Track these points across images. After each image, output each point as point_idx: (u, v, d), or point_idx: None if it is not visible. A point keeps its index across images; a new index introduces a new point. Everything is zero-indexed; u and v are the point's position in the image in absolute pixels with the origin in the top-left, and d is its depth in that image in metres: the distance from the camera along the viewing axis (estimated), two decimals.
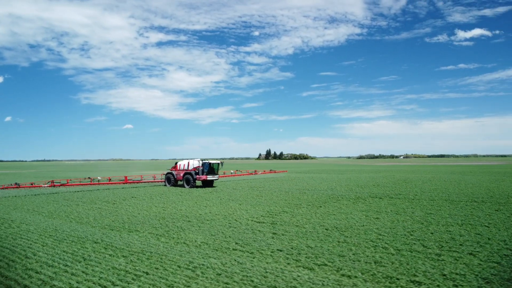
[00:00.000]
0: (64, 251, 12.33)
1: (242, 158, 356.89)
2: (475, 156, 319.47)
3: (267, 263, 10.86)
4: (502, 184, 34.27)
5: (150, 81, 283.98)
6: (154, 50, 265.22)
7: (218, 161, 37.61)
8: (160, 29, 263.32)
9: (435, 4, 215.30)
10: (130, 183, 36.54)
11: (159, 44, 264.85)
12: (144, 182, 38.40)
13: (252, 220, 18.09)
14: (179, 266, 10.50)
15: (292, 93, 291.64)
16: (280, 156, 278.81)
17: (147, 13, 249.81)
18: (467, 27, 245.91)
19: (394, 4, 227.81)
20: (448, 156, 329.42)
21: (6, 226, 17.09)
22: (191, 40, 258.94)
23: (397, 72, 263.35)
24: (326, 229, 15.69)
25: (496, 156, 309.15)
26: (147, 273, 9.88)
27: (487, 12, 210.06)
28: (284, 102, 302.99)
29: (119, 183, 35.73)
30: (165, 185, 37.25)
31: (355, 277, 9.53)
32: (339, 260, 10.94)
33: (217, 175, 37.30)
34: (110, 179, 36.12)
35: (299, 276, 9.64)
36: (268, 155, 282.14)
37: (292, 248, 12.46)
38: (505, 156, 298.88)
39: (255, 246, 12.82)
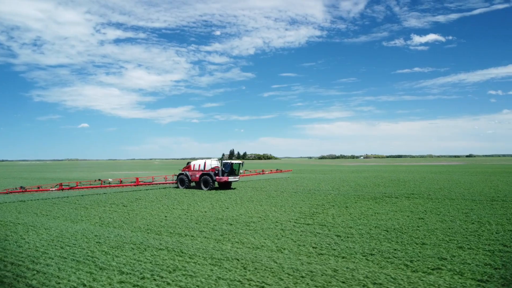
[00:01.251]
0: (139, 260, 11.22)
1: (202, 158, 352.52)
2: (430, 156, 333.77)
3: (380, 267, 10.36)
4: (498, 183, 35.57)
5: (107, 79, 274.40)
6: (111, 47, 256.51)
7: (239, 161, 35.71)
8: (118, 25, 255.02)
9: (392, 9, 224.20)
10: (141, 185, 33.98)
11: (117, 41, 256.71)
12: (156, 183, 35.85)
13: (295, 222, 17.52)
14: (289, 275, 9.76)
15: (253, 93, 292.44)
16: (244, 156, 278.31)
17: (104, 9, 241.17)
18: (422, 32, 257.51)
19: (353, 8, 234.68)
20: (405, 156, 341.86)
21: (47, 234, 15.47)
22: (150, 38, 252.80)
23: (355, 74, 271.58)
24: (385, 230, 15.40)
25: (450, 156, 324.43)
26: (270, 285, 9.07)
27: (441, 18, 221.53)
28: (245, 102, 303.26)
29: (130, 185, 33.39)
30: (178, 187, 34.94)
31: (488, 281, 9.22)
32: (451, 264, 10.58)
33: (238, 176, 35.43)
34: (121, 181, 33.78)
35: (432, 282, 9.19)
36: (231, 155, 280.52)
37: (381, 251, 12.02)
38: (457, 156, 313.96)
39: (338, 250, 12.30)
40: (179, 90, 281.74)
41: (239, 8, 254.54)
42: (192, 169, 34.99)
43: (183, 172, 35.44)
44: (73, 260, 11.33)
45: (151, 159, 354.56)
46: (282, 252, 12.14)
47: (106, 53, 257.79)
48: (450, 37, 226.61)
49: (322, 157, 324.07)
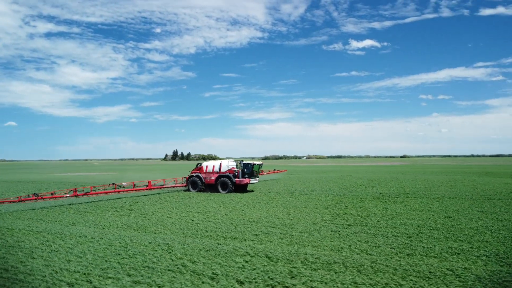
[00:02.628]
0: (243, 268, 10.81)
1: (143, 159, 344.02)
2: (368, 157, 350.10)
3: (484, 265, 10.82)
4: (472, 183, 38.28)
5: (37, 75, 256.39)
6: (42, 41, 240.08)
7: (260, 162, 34.29)
8: (50, 18, 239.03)
9: (331, 14, 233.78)
10: (153, 188, 31.75)
11: (48, 35, 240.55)
12: (168, 187, 33.52)
13: (332, 223, 17.80)
14: (419, 277, 9.93)
15: (194, 93, 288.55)
16: (188, 157, 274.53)
17: (34, 0, 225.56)
18: (359, 37, 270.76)
19: (294, 12, 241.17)
20: (344, 157, 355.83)
21: (98, 244, 14.33)
22: (85, 32, 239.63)
23: (296, 76, 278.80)
24: (433, 229, 16.11)
25: (385, 156, 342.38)
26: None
27: (376, 25, 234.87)
28: (186, 102, 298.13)
29: (143, 189, 31.18)
30: (189, 190, 33.08)
31: None
32: None
33: (257, 178, 34.19)
34: (135, 184, 31.38)
35: None
36: (175, 156, 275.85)
37: (462, 250, 12.56)
38: (392, 157, 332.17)
39: (420, 250, 12.68)
40: (116, 88, 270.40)
41: (180, 6, 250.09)
42: (205, 171, 33.26)
43: (194, 174, 33.56)
44: (168, 270, 10.68)
45: (86, 160, 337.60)
46: (367, 253, 12.30)
47: (36, 47, 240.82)
48: (385, 43, 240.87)
49: (265, 158, 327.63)
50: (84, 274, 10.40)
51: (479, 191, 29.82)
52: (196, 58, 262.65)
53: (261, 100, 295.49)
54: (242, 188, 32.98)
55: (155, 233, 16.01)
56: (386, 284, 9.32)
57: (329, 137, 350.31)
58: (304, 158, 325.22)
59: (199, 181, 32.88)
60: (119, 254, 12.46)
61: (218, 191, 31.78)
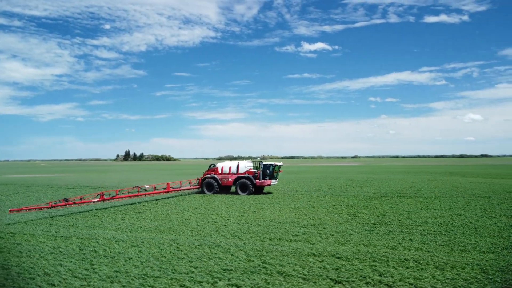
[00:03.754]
0: (336, 268, 11.17)
1: (91, 160, 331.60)
2: (320, 157, 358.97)
3: None
4: (453, 182, 40.71)
5: None
6: None
7: (280, 163, 33.63)
8: None
9: (283, 16, 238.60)
10: (171, 191, 30.07)
11: None
12: (185, 189, 32.01)
13: (357, 222, 18.52)
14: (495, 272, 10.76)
15: (145, 92, 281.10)
16: (141, 158, 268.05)
17: None
18: (311, 40, 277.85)
19: (247, 12, 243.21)
20: (298, 157, 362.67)
21: (160, 249, 14.04)
22: (28, 26, 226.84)
23: (249, 77, 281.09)
24: (456, 227, 17.25)
25: (337, 157, 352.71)
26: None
27: (327, 28, 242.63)
28: (137, 101, 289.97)
29: (162, 192, 29.89)
30: (203, 193, 32.15)
31: None
32: None
33: (277, 180, 33.65)
34: (155, 187, 30.04)
35: None
36: (127, 156, 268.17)
37: (500, 246, 13.64)
38: (344, 157, 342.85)
39: (469, 247, 13.65)
40: (61, 86, 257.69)
41: (129, 3, 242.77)
42: (220, 172, 32.47)
43: (209, 175, 32.61)
44: (254, 272, 10.85)
45: (29, 160, 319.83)
46: (424, 250, 13.08)
47: None
48: (336, 47, 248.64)
49: (219, 158, 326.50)
50: (172, 279, 10.32)
51: (463, 190, 31.90)
52: (147, 56, 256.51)
53: (214, 100, 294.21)
54: (259, 190, 32.06)
55: (192, 235, 15.96)
56: (477, 279, 10.06)
57: (282, 137, 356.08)
58: (258, 158, 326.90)
59: (215, 183, 32.01)
60: (182, 258, 12.40)
61: (237, 193, 31.14)
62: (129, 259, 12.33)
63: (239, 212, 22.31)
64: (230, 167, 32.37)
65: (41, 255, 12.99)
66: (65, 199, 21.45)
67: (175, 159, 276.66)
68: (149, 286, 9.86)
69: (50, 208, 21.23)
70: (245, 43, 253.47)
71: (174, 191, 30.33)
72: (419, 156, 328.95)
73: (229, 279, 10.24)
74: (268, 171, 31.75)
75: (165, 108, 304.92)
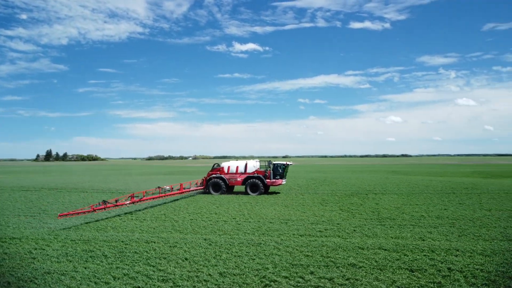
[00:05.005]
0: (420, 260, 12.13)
1: (5, 160, 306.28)
2: (252, 157, 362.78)
3: None
4: (409, 180, 43.93)
5: None
6: None
7: (290, 162, 33.27)
8: None
9: (214, 15, 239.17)
10: (184, 192, 29.04)
11: None
12: (195, 190, 30.96)
13: (370, 219, 19.85)
14: None
15: (66, 88, 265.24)
16: (64, 158, 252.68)
17: None
18: (242, 40, 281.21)
19: (176, 9, 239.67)
20: (229, 157, 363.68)
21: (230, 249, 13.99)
22: None
23: (179, 75, 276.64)
24: (454, 219, 19.19)
25: (269, 157, 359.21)
26: None
27: (258, 29, 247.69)
28: (57, 98, 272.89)
29: (177, 193, 28.18)
30: (209, 193, 31.42)
31: None
32: None
33: (285, 179, 33.29)
34: (172, 188, 28.34)
35: None
36: (49, 156, 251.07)
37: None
38: (276, 157, 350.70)
39: (484, 236, 15.42)
40: None
41: None
42: (227, 172, 31.96)
43: (215, 175, 31.92)
44: (334, 266, 11.50)
45: None
46: (451, 240, 14.58)
47: None
48: (267, 48, 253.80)
49: (149, 158, 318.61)
50: (256, 276, 10.66)
51: (424, 187, 34.82)
52: (68, 50, 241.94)
53: (141, 98, 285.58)
54: (267, 190, 31.95)
55: (225, 234, 16.16)
56: None
57: (213, 137, 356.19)
58: (190, 158, 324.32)
59: (223, 183, 31.45)
60: (239, 256, 12.68)
61: (247, 193, 30.92)
62: (185, 259, 12.37)
63: (247, 210, 22.69)
64: (237, 167, 31.99)
65: (135, 259, 12.57)
66: (104, 202, 20.49)
67: (102, 159, 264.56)
68: (242, 283, 10.11)
69: (92, 211, 20.06)
70: (175, 40, 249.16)
71: (187, 191, 29.71)
72: (345, 156, 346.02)
73: (311, 273, 10.81)
74: (278, 170, 31.85)
75: (88, 106, 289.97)
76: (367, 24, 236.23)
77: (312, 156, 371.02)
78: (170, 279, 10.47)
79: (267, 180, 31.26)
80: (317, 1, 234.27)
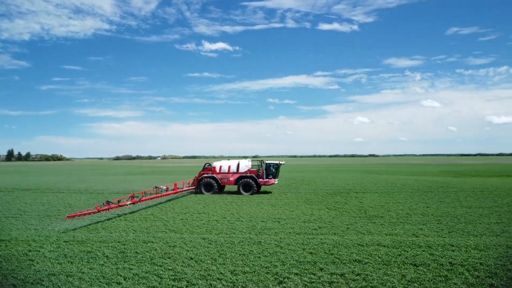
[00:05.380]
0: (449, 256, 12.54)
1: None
2: (222, 157, 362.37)
3: None
4: (385, 179, 45.07)
5: None
6: None
7: (282, 162, 33.43)
8: None
9: (183, 13, 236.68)
10: (178, 192, 28.80)
11: None
12: (187, 190, 30.66)
13: (364, 217, 20.38)
14: None
15: (29, 85, 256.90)
16: (27, 157, 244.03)
17: None
18: (212, 39, 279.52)
19: (144, 7, 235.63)
20: (199, 157, 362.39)
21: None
22: None
23: (147, 73, 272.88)
24: (440, 217, 19.98)
25: (239, 157, 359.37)
26: None
27: (228, 28, 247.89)
28: (18, 95, 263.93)
29: (172, 193, 27.80)
30: (201, 193, 31.22)
31: None
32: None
33: (277, 178, 33.32)
34: (168, 188, 27.66)
35: None
36: (10, 156, 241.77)
37: (492, 230, 16.43)
38: (246, 157, 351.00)
39: (474, 232, 16.14)
40: None
41: None
42: (218, 171, 31.96)
43: (207, 175, 31.86)
44: (341, 263, 11.79)
45: None
46: (442, 236, 15.21)
47: None
48: (237, 47, 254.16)
49: (117, 158, 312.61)
50: (268, 273, 10.83)
51: (402, 186, 35.96)
52: (31, 46, 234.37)
53: (108, 96, 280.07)
54: (259, 189, 32.06)
55: (223, 234, 16.19)
56: None
57: (182, 137, 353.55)
58: (159, 158, 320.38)
59: (215, 183, 31.39)
60: (243, 254, 12.79)
61: (239, 193, 30.96)
62: (191, 259, 12.37)
63: (235, 210, 22.74)
64: (229, 166, 31.98)
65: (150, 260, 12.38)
66: (107, 202, 20.12)
67: (67, 159, 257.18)
68: (257, 280, 10.24)
69: (97, 212, 19.64)
70: (143, 38, 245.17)
71: (181, 191, 29.56)
72: (315, 156, 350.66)
73: (321, 269, 11.06)
74: (271, 170, 32.02)
75: (52, 104, 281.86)
76: (335, 26, 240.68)
77: (282, 156, 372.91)
78: (183, 278, 10.46)
79: (260, 179, 31.46)
80: (287, 2, 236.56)
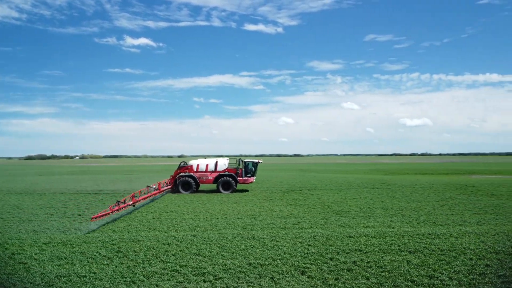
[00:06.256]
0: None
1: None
2: (146, 156, 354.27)
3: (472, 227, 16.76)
4: (329, 177, 47.15)
5: None
6: None
7: (260, 160, 33.54)
8: None
9: (103, 5, 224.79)
10: (162, 191, 28.13)
11: None
12: (164, 190, 29.53)
13: (331, 212, 21.58)
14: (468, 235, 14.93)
15: None
16: None
17: None
18: (134, 34, 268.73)
19: None
20: (121, 156, 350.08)
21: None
22: None
23: (62, 67, 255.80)
24: (401, 210, 21.80)
25: (163, 156, 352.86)
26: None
27: (151, 24, 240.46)
28: None
29: (157, 192, 26.95)
30: (178, 192, 30.55)
31: None
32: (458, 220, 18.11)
33: (255, 177, 33.12)
34: (155, 187, 26.51)
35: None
36: None
37: (436, 221, 18.43)
38: (170, 156, 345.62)
39: (438, 221, 17.94)
40: None
41: None
42: (196, 170, 31.49)
43: (185, 174, 31.33)
44: (343, 252, 12.61)
45: None
46: (417, 227, 16.78)
47: None
48: (161, 44, 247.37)
49: (29, 158, 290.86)
50: (284, 264, 11.35)
51: (349, 184, 38.03)
52: None
53: (18, 91, 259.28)
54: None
55: (236, 229, 16.36)
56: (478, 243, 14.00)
57: (102, 135, 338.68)
58: (77, 158, 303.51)
59: (193, 182, 30.97)
60: (246, 249, 13.16)
61: (219, 191, 30.94)
62: (198, 255, 12.51)
63: (202, 208, 22.78)
64: (207, 165, 31.74)
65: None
66: (117, 202, 19.73)
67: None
68: (281, 271, 10.70)
69: (111, 213, 18.88)
70: (58, 29, 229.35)
71: (163, 191, 29.10)
72: (241, 155, 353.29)
73: (331, 259, 11.79)
74: (249, 168, 32.33)
75: None
76: (261, 27, 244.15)
77: (208, 155, 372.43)
78: (206, 272, 10.60)
79: (239, 178, 31.79)
80: (212, 0, 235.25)
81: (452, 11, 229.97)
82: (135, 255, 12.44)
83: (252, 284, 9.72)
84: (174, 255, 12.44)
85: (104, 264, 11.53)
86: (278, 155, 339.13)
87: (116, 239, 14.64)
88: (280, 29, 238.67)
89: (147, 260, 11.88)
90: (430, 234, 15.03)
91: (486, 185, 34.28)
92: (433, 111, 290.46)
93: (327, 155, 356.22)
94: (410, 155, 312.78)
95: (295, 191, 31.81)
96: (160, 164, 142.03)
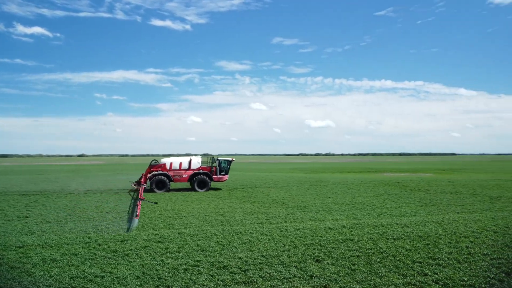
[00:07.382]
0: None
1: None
2: (40, 156, 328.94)
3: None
4: (255, 175, 48.30)
5: None
6: None
7: (233, 158, 34.48)
8: None
9: None
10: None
11: None
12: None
13: (282, 208, 22.69)
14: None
15: None
16: None
17: None
18: (27, 22, 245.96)
19: None
20: (11, 156, 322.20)
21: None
22: None
23: None
24: (363, 204, 23.70)
25: (61, 156, 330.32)
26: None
27: (46, 12, 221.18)
28: None
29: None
30: (153, 191, 30.04)
31: None
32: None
33: (228, 175, 33.80)
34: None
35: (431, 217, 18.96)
36: None
37: (391, 213, 20.67)
38: (70, 156, 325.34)
39: (405, 212, 19.96)
40: None
41: None
42: (170, 168, 31.34)
43: (159, 172, 31.09)
44: (343, 240, 13.66)
45: None
46: (387, 218, 18.55)
47: None
48: (58, 34, 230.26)
49: None
50: (293, 256, 12.06)
51: (286, 181, 39.81)
52: None
53: None
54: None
55: (218, 226, 16.40)
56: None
57: None
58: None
59: (167, 180, 30.84)
60: (245, 243, 13.60)
61: (194, 190, 31.14)
62: (203, 250, 12.69)
63: (161, 207, 22.47)
64: (181, 163, 32.04)
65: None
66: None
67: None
68: (297, 261, 11.35)
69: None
70: None
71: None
72: (148, 155, 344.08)
73: (334, 248, 12.71)
74: (223, 166, 32.85)
75: None
76: (168, 23, 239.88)
77: (111, 155, 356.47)
78: (225, 266, 10.81)
79: (214, 176, 32.16)
80: None
81: (353, 20, 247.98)
82: (137, 253, 12.20)
83: (283, 273, 10.24)
84: (177, 252, 12.30)
85: (117, 263, 11.20)
86: (187, 155, 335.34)
87: (107, 239, 14.13)
88: (188, 27, 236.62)
89: (154, 258, 11.72)
90: (397, 224, 16.70)
91: (408, 182, 38.24)
92: (335, 113, 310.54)
93: (236, 154, 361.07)
94: (315, 155, 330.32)
95: (238, 189, 32.57)
96: (61, 164, 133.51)
